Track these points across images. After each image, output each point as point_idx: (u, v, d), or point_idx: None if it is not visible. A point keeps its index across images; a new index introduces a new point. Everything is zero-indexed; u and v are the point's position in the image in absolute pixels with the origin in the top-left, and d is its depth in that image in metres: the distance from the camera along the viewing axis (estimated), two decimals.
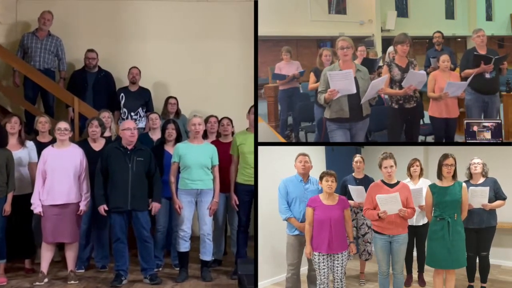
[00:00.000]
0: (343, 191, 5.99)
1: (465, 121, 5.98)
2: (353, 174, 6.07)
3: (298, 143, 6.61)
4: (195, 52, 8.11)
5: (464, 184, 5.33)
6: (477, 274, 5.75)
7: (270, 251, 5.87)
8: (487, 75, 6.06)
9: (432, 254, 5.29)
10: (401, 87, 5.83)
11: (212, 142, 6.30)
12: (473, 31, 6.23)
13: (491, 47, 6.27)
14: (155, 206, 5.80)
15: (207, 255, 6.00)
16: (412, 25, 7.06)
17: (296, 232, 5.42)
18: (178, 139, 6.31)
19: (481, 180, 5.65)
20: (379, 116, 6.03)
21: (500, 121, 6.00)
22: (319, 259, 5.15)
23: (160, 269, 6.28)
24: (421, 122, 6.20)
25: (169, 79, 8.08)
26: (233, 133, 6.57)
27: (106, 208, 5.73)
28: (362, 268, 6.19)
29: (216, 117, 6.70)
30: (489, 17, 7.07)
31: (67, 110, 7.61)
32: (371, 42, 7.08)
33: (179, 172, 5.92)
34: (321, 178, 5.21)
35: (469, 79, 5.88)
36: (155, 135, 6.61)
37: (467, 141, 5.90)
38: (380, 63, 6.67)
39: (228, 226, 6.59)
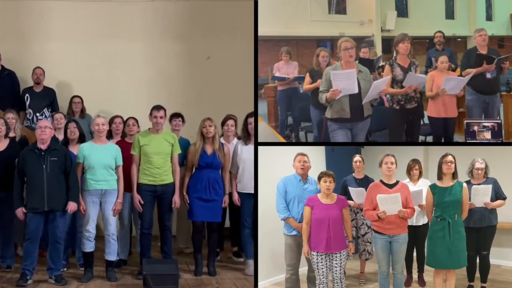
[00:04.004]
0: (344, 191, 5.98)
1: (465, 121, 5.98)
2: (353, 174, 6.07)
3: (298, 143, 6.63)
4: (101, 52, 8.08)
5: (464, 184, 5.31)
6: (477, 274, 5.74)
7: (270, 251, 5.88)
8: (488, 75, 6.05)
9: (433, 254, 5.28)
10: (402, 87, 5.82)
11: (118, 142, 6.30)
12: (475, 30, 6.21)
13: (491, 47, 6.26)
14: (71, 206, 5.83)
15: (112, 255, 6.02)
16: (412, 25, 7.08)
17: (294, 233, 5.40)
18: (81, 139, 6.32)
19: (482, 180, 5.64)
20: (379, 116, 6.03)
21: (500, 121, 6.00)
22: (317, 258, 5.14)
23: (65, 269, 6.26)
24: (421, 122, 6.20)
25: (75, 79, 8.04)
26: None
27: (25, 211, 5.76)
28: (362, 268, 6.19)
29: (121, 117, 6.69)
30: (489, 17, 7.09)
31: None
32: (371, 42, 7.09)
33: (83, 172, 5.96)
34: (319, 178, 5.19)
35: (467, 77, 5.87)
36: (61, 135, 6.63)
37: (467, 141, 5.90)
38: (381, 63, 6.68)
39: (133, 226, 6.63)
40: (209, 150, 6.08)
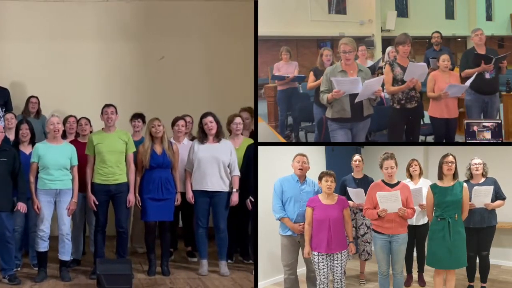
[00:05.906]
0: (343, 191, 5.98)
1: (465, 121, 5.98)
2: (352, 174, 6.07)
3: (298, 143, 6.62)
4: (54, 51, 8.10)
5: (465, 184, 5.32)
6: (477, 274, 5.75)
7: (269, 251, 5.87)
8: (487, 75, 6.05)
9: (433, 254, 5.29)
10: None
11: (71, 142, 6.34)
12: (472, 30, 6.22)
13: (491, 47, 6.26)
14: (21, 206, 5.84)
15: (65, 255, 6.03)
16: (412, 25, 7.06)
17: (289, 233, 5.40)
18: (33, 139, 6.33)
19: (482, 180, 5.64)
20: (379, 116, 6.03)
21: (500, 121, 6.00)
22: (318, 259, 5.15)
23: (19, 269, 6.27)
24: (421, 122, 6.20)
25: (28, 78, 8.04)
26: (91, 132, 6.60)
27: None
28: (362, 268, 6.19)
29: (75, 117, 6.74)
30: (489, 17, 7.07)
31: None
32: (371, 42, 7.08)
33: (38, 172, 5.96)
34: (320, 178, 5.20)
35: (469, 81, 5.87)
36: (12, 135, 6.64)
37: (467, 141, 5.90)
38: (381, 64, 6.67)
39: (87, 225, 6.65)
40: (158, 150, 6.10)
